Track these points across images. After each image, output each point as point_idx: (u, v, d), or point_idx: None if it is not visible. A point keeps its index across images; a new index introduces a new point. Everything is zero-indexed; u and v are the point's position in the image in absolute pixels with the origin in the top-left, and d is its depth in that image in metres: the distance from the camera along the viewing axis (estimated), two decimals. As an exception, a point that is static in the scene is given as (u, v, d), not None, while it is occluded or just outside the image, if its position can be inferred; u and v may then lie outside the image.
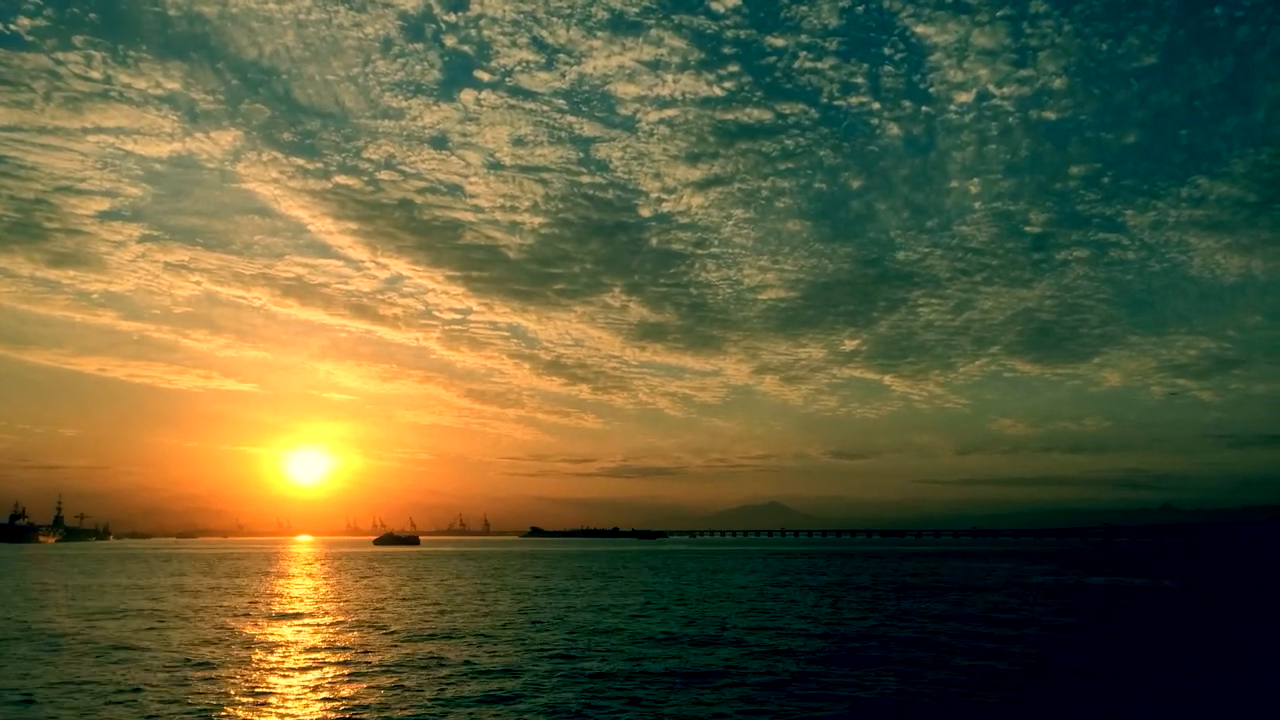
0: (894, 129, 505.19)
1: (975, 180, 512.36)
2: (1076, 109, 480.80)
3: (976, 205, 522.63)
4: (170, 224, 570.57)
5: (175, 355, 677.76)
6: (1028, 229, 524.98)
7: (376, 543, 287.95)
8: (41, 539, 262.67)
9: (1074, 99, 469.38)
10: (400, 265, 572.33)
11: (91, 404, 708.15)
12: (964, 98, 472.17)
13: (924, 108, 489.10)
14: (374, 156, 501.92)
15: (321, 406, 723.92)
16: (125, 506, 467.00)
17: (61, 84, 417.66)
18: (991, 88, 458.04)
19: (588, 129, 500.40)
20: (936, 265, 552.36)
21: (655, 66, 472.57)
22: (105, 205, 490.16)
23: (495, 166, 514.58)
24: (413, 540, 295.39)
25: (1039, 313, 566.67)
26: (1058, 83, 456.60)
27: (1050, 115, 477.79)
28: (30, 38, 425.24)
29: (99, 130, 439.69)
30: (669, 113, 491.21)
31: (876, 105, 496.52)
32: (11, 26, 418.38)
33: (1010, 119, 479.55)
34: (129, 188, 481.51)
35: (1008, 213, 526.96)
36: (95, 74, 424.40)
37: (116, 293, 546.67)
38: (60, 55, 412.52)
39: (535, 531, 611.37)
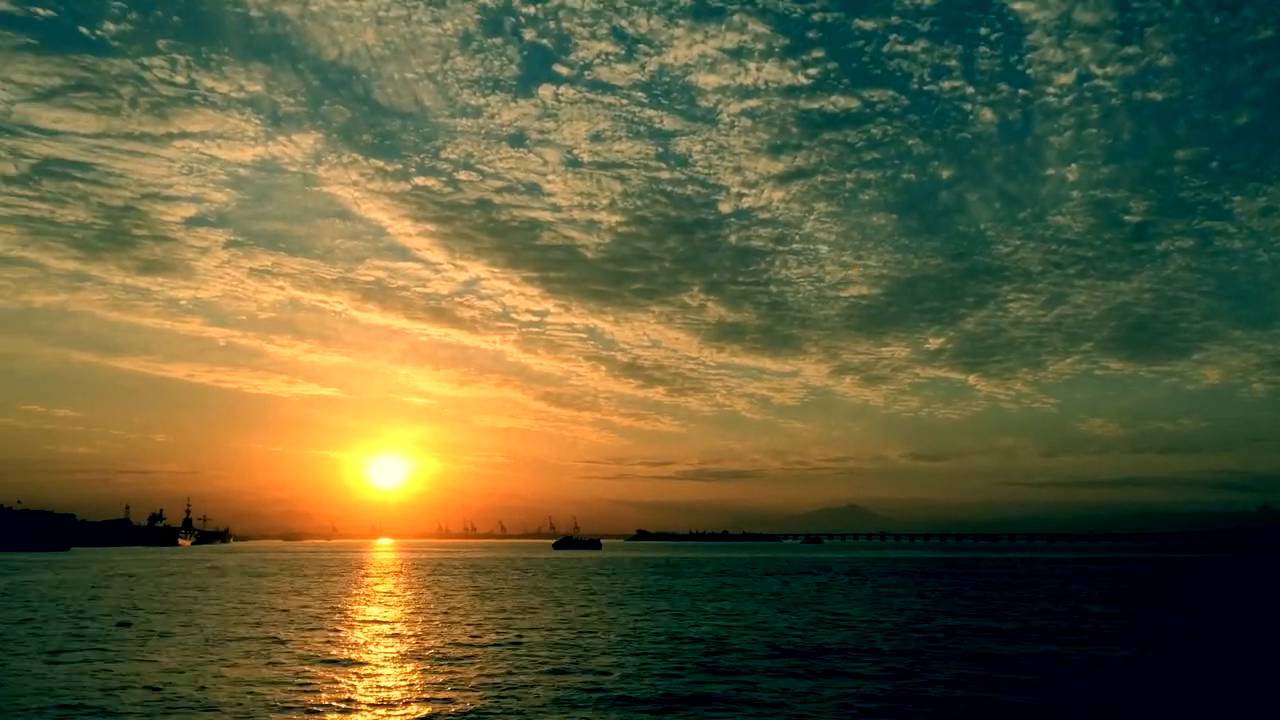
0: (988, 114, 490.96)
1: (1073, 167, 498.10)
2: (1185, 88, 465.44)
3: (1073, 194, 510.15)
4: (254, 229, 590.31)
5: (260, 360, 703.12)
6: (1127, 218, 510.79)
7: (556, 546, 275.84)
8: (180, 541, 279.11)
9: (1182, 78, 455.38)
10: (478, 267, 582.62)
11: (181, 409, 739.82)
12: (1064, 79, 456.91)
13: (1021, 91, 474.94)
14: (452, 156, 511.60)
15: (401, 410, 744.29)
16: (217, 510, 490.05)
17: (147, 89, 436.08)
18: (1093, 67, 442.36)
19: (667, 122, 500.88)
20: (1028, 258, 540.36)
21: (738, 54, 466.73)
22: (191, 211, 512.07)
23: (573, 163, 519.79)
24: (594, 544, 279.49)
25: (1136, 307, 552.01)
26: (1165, 60, 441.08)
27: (1156, 96, 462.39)
28: (115, 43, 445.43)
29: (184, 135, 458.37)
30: (751, 103, 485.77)
31: (970, 89, 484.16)
32: (97, 32, 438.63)
33: (1112, 100, 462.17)
34: (214, 193, 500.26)
35: (1106, 201, 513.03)
36: (180, 78, 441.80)
37: (204, 299, 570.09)
38: (145, 60, 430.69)
39: (642, 535, 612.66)
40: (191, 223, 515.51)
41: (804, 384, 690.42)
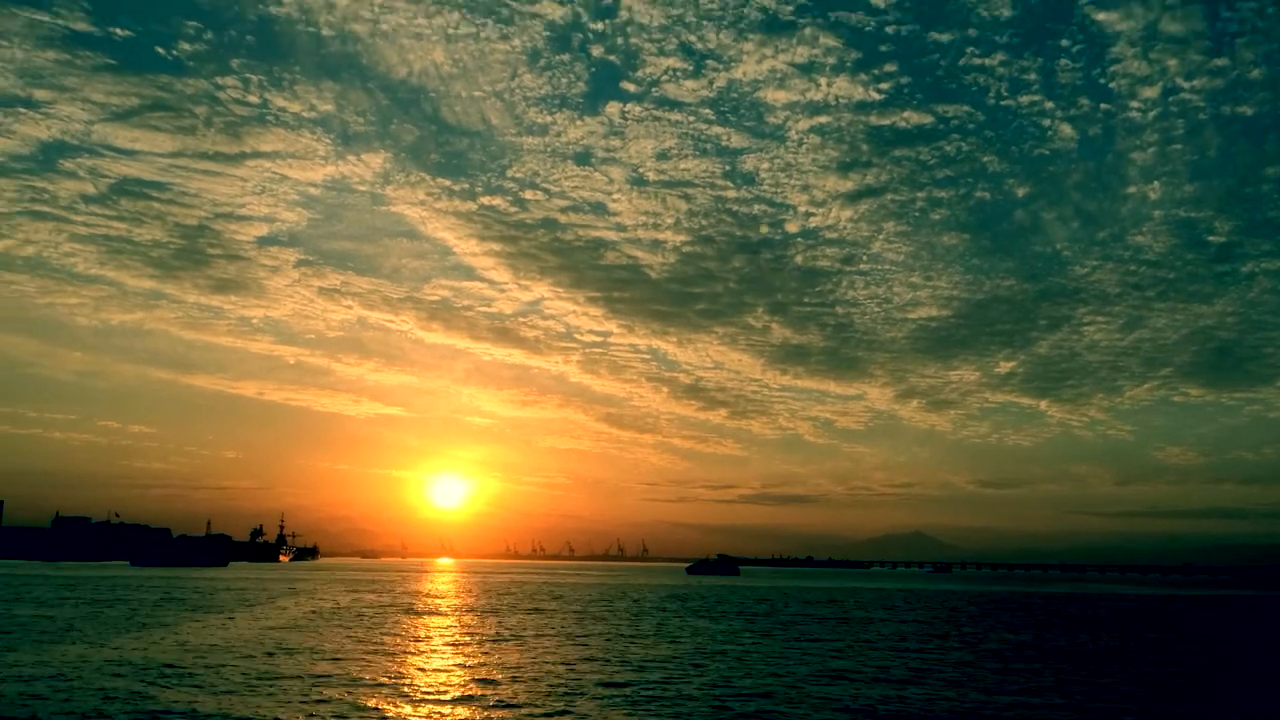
0: (1067, 130, 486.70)
1: (1155, 185, 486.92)
2: (1277, 102, 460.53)
3: (1155, 213, 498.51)
4: (324, 248, 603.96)
5: (328, 379, 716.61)
6: (1211, 238, 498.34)
7: (690, 571, 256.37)
8: (280, 558, 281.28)
9: (1274, 91, 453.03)
10: (542, 287, 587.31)
11: (251, 427, 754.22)
12: (1148, 93, 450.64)
13: (1102, 105, 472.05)
14: (518, 175, 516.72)
15: (464, 430, 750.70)
16: (287, 526, 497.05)
17: (221, 109, 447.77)
18: (1180, 80, 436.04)
19: (734, 139, 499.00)
20: (1106, 280, 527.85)
21: (808, 69, 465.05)
22: (264, 230, 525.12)
23: (638, 182, 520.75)
24: (732, 569, 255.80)
25: (1218, 331, 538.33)
26: (1256, 73, 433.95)
27: (1245, 110, 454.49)
28: (191, 63, 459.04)
29: (256, 155, 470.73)
30: (820, 119, 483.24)
31: (1049, 104, 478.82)
32: (173, 52, 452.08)
33: (1199, 115, 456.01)
34: (285, 212, 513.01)
35: (1190, 221, 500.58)
36: (252, 98, 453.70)
37: (274, 318, 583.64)
38: (219, 80, 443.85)
39: (724, 559, 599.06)
40: (263, 242, 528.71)
41: (869, 408, 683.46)
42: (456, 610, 74.80)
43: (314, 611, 68.15)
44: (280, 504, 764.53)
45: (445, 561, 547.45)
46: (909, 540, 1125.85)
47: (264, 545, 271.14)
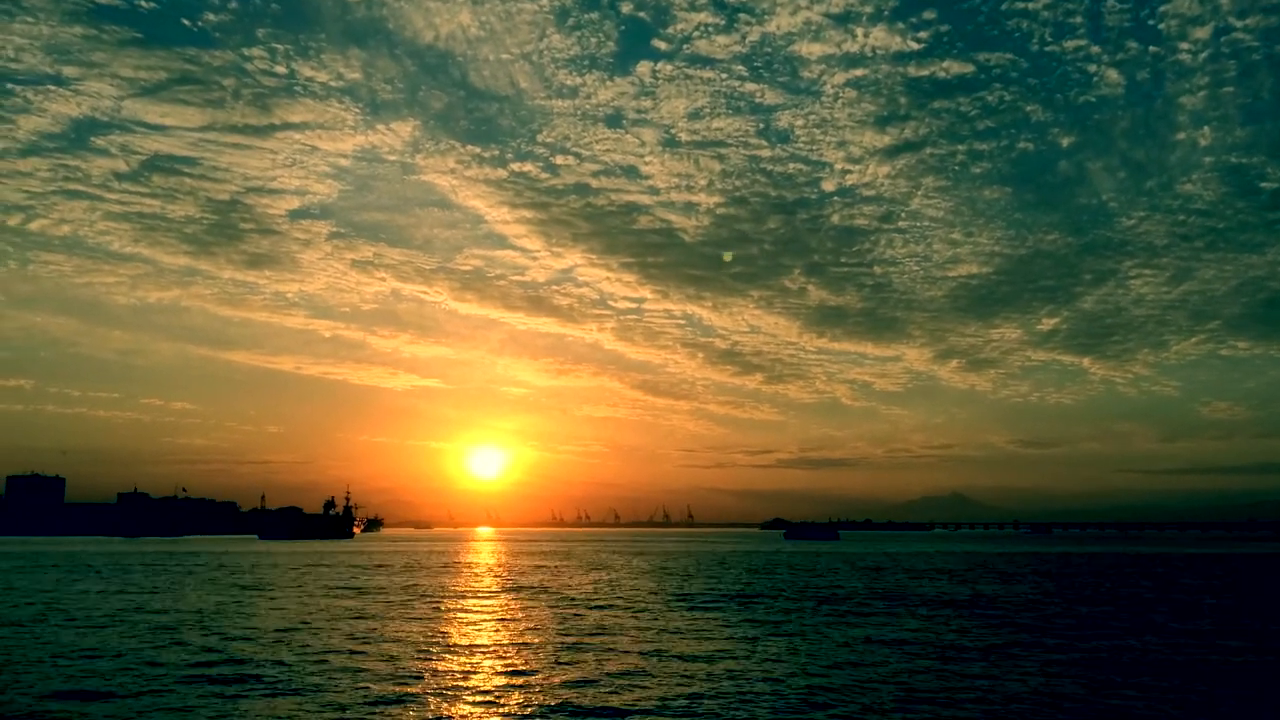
0: (1114, 75, 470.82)
1: (1205, 131, 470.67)
2: None
3: (1205, 160, 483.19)
4: (355, 220, 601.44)
5: (363, 352, 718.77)
6: (1264, 184, 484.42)
7: (789, 535, 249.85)
8: (354, 529, 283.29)
9: None
10: (574, 255, 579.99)
11: (291, 401, 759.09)
12: (1199, 33, 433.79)
13: (1151, 48, 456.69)
14: (549, 139, 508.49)
15: (500, 401, 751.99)
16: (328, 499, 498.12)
17: (249, 80, 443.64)
18: (1232, 19, 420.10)
19: (769, 96, 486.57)
20: (1153, 231, 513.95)
21: (844, 19, 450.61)
22: (295, 204, 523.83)
23: (671, 143, 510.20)
24: (831, 533, 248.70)
25: (1270, 281, 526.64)
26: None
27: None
28: (217, 34, 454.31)
29: (285, 127, 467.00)
30: (857, 72, 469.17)
31: (1095, 49, 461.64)
32: (199, 23, 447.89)
33: (1252, 56, 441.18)
34: (316, 184, 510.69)
35: (1240, 167, 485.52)
36: (280, 68, 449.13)
37: (308, 292, 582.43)
38: (245, 50, 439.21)
39: (779, 523, 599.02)
40: (295, 215, 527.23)
41: (907, 369, 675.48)
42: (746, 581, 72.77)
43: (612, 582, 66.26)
44: (323, 477, 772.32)
45: (485, 530, 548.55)
46: (948, 502, 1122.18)
47: (337, 518, 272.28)
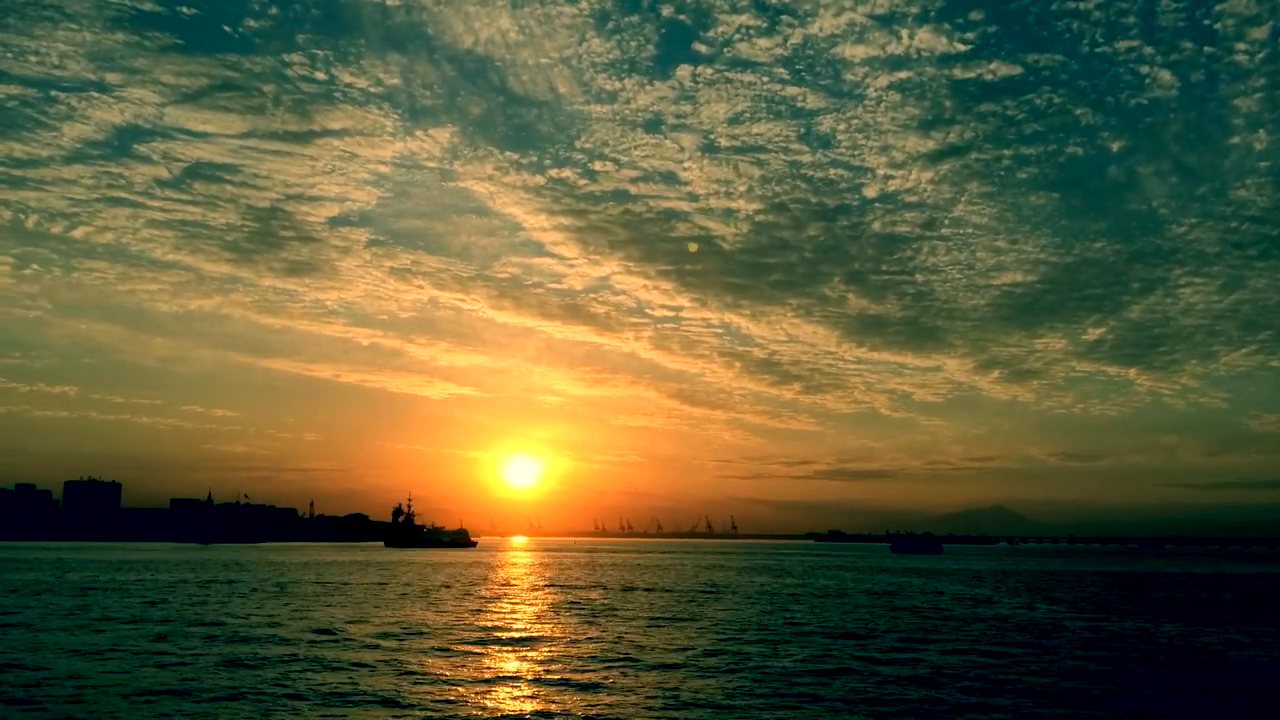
0: (1167, 77, 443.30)
1: (1260, 134, 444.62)
2: None
3: (1260, 164, 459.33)
4: (394, 227, 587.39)
5: (401, 361, 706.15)
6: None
7: (894, 549, 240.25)
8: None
9: None
10: (611, 263, 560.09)
11: (329, 409, 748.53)
12: (1256, 33, 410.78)
13: (1206, 49, 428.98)
14: (587, 145, 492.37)
15: (536, 410, 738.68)
16: (369, 507, 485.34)
17: (289, 87, 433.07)
18: None
19: (810, 100, 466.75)
20: (1204, 238, 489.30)
21: (888, 20, 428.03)
22: (335, 211, 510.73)
23: (710, 149, 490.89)
24: (935, 546, 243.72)
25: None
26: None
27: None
28: (257, 40, 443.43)
29: (325, 133, 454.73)
30: (901, 75, 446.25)
31: (1148, 50, 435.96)
32: (239, 30, 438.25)
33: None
34: (355, 191, 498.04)
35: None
36: (319, 75, 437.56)
37: (347, 300, 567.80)
38: (285, 56, 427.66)
39: (836, 535, 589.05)
40: (334, 222, 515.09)
41: (947, 379, 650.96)
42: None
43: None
44: (362, 484, 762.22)
45: (519, 540, 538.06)
46: (989, 515, 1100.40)
47: (407, 524, 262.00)
